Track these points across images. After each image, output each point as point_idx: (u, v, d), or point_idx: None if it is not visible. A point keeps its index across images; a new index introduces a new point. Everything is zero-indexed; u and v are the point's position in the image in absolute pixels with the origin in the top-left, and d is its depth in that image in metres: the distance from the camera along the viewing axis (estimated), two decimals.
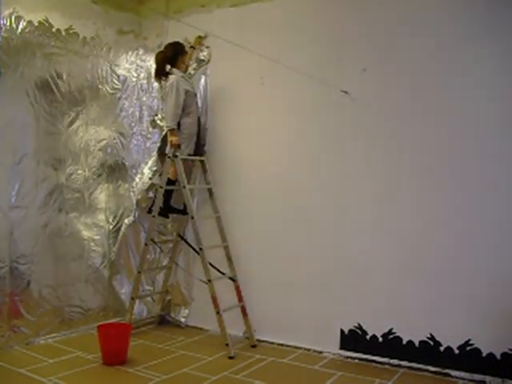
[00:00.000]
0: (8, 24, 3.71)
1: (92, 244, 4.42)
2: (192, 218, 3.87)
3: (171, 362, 3.58)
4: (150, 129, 4.75)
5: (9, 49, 3.72)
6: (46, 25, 4.00)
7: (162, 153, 4.23)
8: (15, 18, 3.75)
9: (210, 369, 3.44)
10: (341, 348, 3.75)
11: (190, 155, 4.05)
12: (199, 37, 4.35)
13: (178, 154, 3.89)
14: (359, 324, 3.69)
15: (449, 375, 3.34)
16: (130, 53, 4.77)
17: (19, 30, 3.79)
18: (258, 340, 3.99)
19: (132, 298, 4.18)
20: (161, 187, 4.02)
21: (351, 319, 3.71)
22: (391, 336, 3.56)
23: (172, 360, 3.63)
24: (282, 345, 3.95)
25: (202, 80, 4.44)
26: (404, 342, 3.51)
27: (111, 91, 4.59)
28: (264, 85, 4.11)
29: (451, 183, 3.37)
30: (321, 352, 3.79)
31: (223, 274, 4.01)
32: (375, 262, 3.61)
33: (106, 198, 4.55)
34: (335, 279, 3.76)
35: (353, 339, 3.71)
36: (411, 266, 3.48)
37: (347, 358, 3.71)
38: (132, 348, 3.64)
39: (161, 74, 4.01)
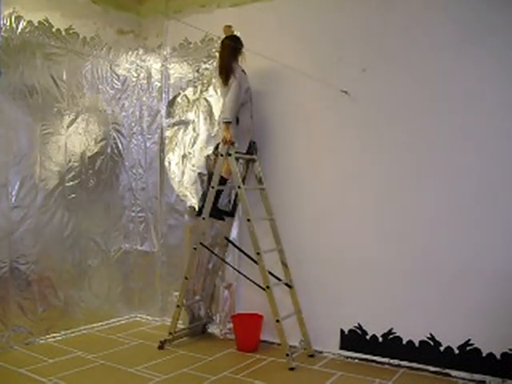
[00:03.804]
0: (8, 24, 3.72)
1: (92, 243, 4.43)
2: (248, 220, 3.63)
3: (171, 362, 3.59)
4: (169, 110, 4.61)
5: (9, 49, 3.73)
6: (46, 25, 4.01)
7: (212, 152, 4.05)
8: (15, 17, 3.77)
9: (209, 369, 3.45)
10: (341, 348, 3.75)
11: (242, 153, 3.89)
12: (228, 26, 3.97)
13: (231, 152, 3.69)
14: (359, 324, 3.69)
15: (449, 375, 3.34)
16: (129, 53, 4.78)
17: (19, 29, 3.80)
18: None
19: (177, 306, 3.94)
20: (212, 187, 3.80)
21: (351, 319, 3.71)
22: (391, 336, 3.56)
23: (172, 360, 3.64)
24: (281, 345, 3.95)
25: None
26: (404, 342, 3.51)
27: (111, 91, 4.60)
28: (264, 85, 4.11)
29: (452, 183, 3.36)
30: (321, 352, 3.80)
31: (279, 279, 3.79)
32: (375, 261, 3.61)
33: (106, 197, 4.56)
34: (335, 279, 3.76)
35: (353, 339, 3.71)
36: (411, 266, 3.48)
37: (347, 358, 3.71)
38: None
39: (228, 73, 3.75)
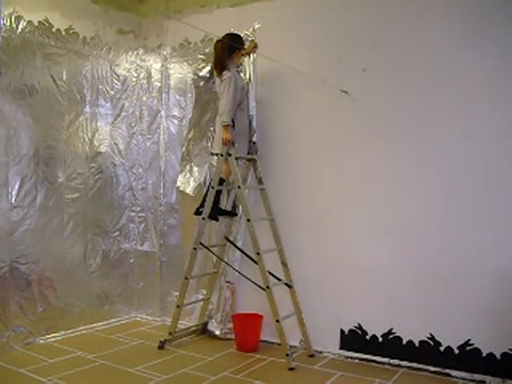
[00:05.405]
0: (8, 24, 3.72)
1: (92, 244, 4.43)
2: (248, 220, 3.64)
3: (171, 362, 3.59)
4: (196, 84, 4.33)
5: (9, 49, 3.73)
6: (46, 25, 4.01)
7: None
8: (15, 17, 3.77)
9: (209, 369, 3.44)
10: (341, 348, 3.75)
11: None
12: (254, 45, 4.00)
13: (231, 152, 3.69)
14: (359, 324, 3.69)
15: (449, 375, 3.34)
16: (130, 53, 4.78)
17: (19, 29, 3.80)
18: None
19: (177, 306, 3.94)
20: (212, 187, 3.79)
21: (351, 319, 3.71)
22: (391, 336, 3.56)
23: (172, 360, 3.64)
24: (281, 345, 3.94)
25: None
26: (404, 342, 3.51)
27: (111, 91, 4.60)
28: (263, 85, 4.11)
29: (452, 183, 3.36)
30: (321, 352, 3.79)
31: (279, 279, 3.78)
32: (375, 261, 3.61)
33: (106, 197, 4.56)
34: (335, 279, 3.76)
35: (353, 339, 3.71)
36: (411, 266, 3.48)
37: (347, 358, 3.71)
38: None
39: (222, 65, 3.74)
